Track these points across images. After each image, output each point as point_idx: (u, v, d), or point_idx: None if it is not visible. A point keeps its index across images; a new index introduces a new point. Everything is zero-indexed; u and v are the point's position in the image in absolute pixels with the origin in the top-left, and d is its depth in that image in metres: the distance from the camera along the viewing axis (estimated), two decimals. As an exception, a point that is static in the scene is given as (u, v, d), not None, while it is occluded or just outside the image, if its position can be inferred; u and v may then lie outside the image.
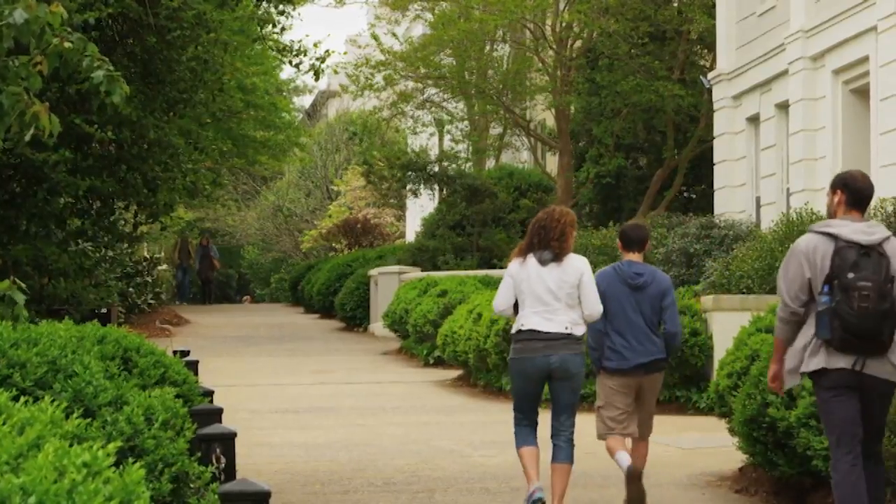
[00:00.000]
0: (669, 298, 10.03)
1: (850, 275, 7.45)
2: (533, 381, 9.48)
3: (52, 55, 6.95)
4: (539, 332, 9.38)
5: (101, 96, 7.07)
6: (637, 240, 10.14)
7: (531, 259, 9.48)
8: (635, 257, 10.11)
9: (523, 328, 9.44)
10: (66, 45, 6.98)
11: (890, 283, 7.48)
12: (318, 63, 20.95)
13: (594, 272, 9.66)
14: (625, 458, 9.63)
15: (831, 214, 7.84)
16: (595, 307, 9.45)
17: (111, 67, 7.16)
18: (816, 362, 7.55)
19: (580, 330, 9.48)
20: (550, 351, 9.36)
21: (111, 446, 3.92)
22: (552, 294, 9.38)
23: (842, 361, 7.49)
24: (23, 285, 7.11)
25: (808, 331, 7.61)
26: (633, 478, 9.43)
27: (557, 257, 9.42)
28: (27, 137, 6.81)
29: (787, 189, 22.81)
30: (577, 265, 9.46)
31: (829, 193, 7.87)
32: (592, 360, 10.04)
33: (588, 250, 22.67)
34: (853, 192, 7.75)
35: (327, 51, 22.07)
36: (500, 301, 9.59)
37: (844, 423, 7.52)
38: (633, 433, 9.96)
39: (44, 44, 6.87)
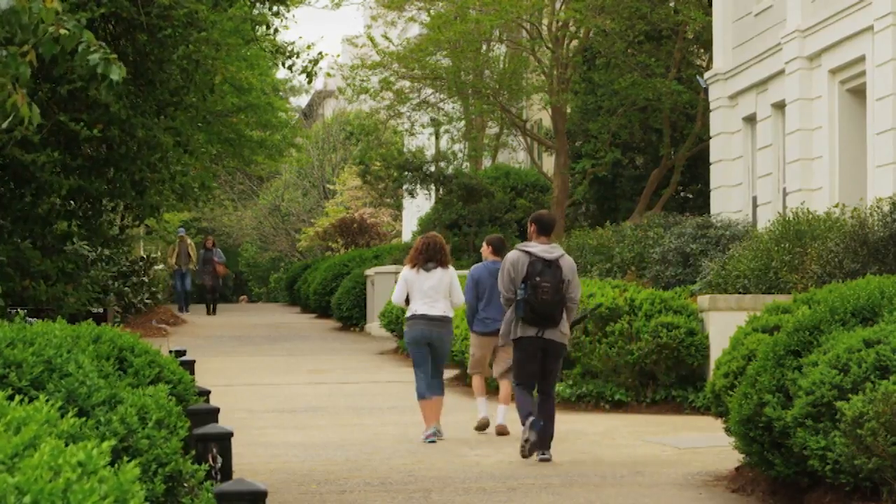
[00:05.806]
0: None
1: (538, 278, 12.07)
2: (421, 346, 14.10)
3: (49, 42, 6.89)
4: (426, 315, 14.06)
5: (97, 83, 7.02)
6: (503, 247, 14.79)
7: (420, 268, 14.08)
8: (499, 258, 14.32)
9: (416, 313, 14.08)
10: (62, 31, 6.93)
11: (562, 283, 12.12)
12: (310, 66, 20.93)
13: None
14: (482, 407, 14.56)
15: (528, 238, 12.54)
16: (459, 299, 14.24)
17: (108, 50, 7.11)
18: (516, 332, 12.23)
19: (451, 314, 14.24)
20: (433, 327, 14.07)
21: (105, 445, 3.91)
22: (434, 290, 14.06)
23: (530, 331, 12.18)
24: None
25: (511, 312, 12.25)
26: (484, 426, 14.48)
27: (437, 267, 14.11)
28: (4, 125, 6.74)
29: (784, 189, 22.80)
30: (449, 272, 14.16)
31: (528, 225, 12.52)
32: (468, 325, 14.97)
33: (584, 250, 22.61)
34: (541, 224, 12.44)
35: (320, 53, 22.06)
36: (398, 296, 14.35)
37: (528, 374, 12.32)
38: (487, 374, 14.98)
39: (37, 36, 6.80)
